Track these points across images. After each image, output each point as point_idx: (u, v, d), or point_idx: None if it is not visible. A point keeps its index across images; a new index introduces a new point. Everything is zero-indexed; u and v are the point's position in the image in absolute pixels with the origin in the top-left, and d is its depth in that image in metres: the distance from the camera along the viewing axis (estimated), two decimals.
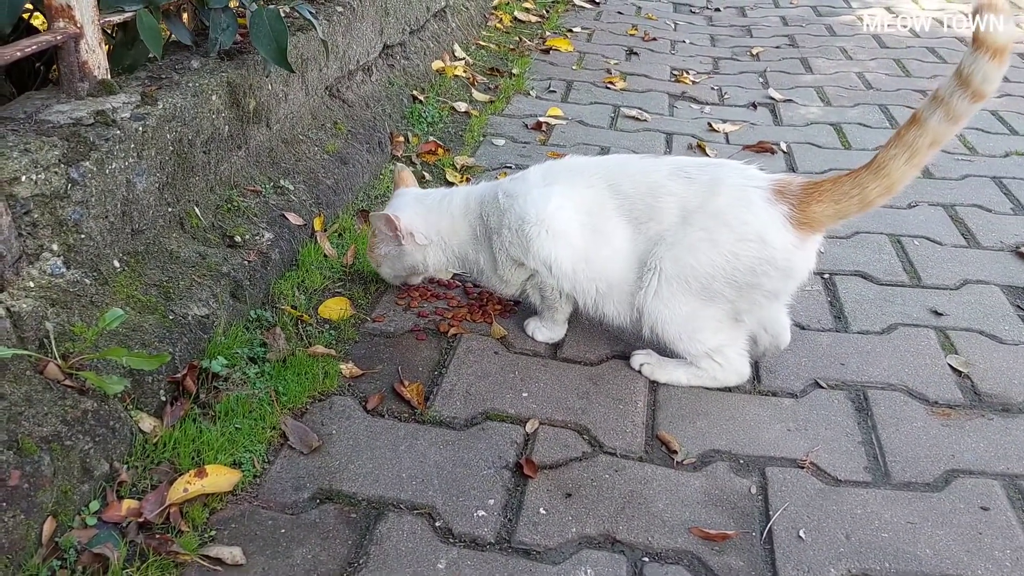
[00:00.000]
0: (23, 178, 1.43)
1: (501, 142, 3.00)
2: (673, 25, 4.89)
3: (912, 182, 1.60)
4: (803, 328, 1.99)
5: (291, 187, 2.14)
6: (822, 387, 1.80)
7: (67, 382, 1.38)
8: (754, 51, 4.41)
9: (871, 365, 1.87)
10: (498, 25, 4.42)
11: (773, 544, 1.40)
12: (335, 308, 1.90)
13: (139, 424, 1.45)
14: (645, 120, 3.31)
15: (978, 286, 2.21)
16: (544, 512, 1.44)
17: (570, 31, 4.54)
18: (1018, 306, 2.13)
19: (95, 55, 1.69)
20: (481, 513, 1.43)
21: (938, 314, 2.07)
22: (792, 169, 2.93)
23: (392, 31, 3.12)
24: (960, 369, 1.86)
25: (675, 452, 1.60)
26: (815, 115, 3.46)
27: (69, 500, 1.30)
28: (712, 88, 3.81)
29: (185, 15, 2.07)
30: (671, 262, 1.65)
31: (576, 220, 1.71)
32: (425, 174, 2.66)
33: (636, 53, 4.27)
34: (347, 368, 1.73)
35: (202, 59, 2.00)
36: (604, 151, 2.98)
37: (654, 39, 4.54)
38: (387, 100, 2.92)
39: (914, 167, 1.53)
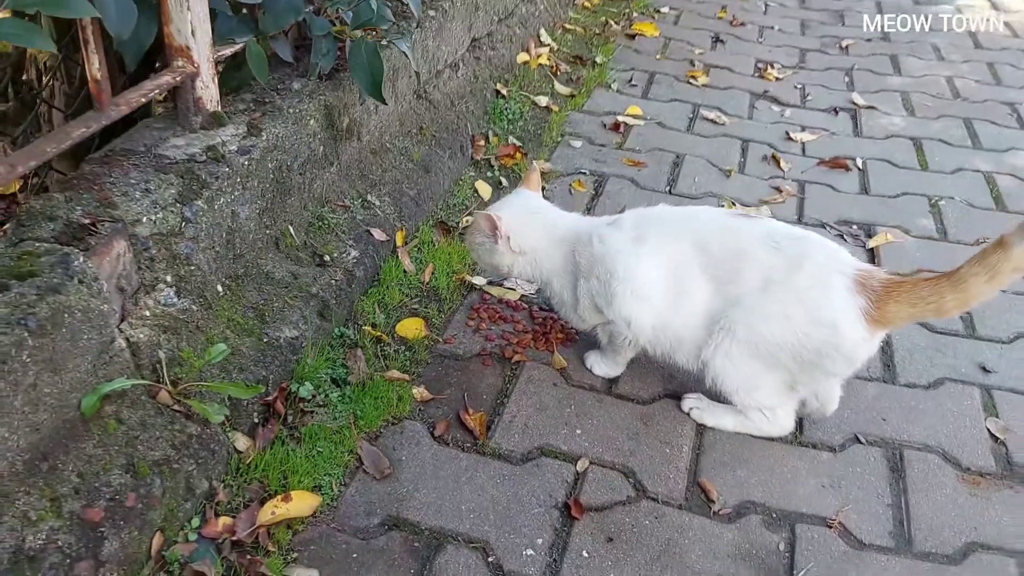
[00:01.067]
0: (144, 219, 1.60)
1: (578, 144, 3.09)
2: (764, 7, 4.87)
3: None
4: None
5: (377, 202, 2.29)
6: (861, 443, 1.91)
7: (176, 407, 1.57)
8: (844, 43, 4.38)
9: (912, 423, 1.97)
10: (586, 4, 4.46)
11: None
12: (411, 328, 2.05)
13: (235, 444, 1.63)
14: (723, 124, 3.37)
15: None
16: (587, 555, 1.59)
17: (658, 11, 4.57)
18: None
19: (208, 91, 1.84)
20: (530, 552, 1.59)
21: (986, 371, 2.14)
22: (865, 190, 2.97)
23: (481, 24, 3.21)
24: (997, 435, 1.94)
25: (713, 501, 1.73)
26: (896, 126, 3.47)
27: (174, 517, 1.49)
28: (795, 87, 3.83)
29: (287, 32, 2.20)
30: (744, 327, 1.74)
31: (661, 283, 1.80)
32: (502, 179, 2.79)
33: (722, 41, 4.28)
34: (419, 392, 1.89)
35: (301, 80, 2.14)
36: (679, 159, 3.06)
37: (742, 24, 4.54)
38: (471, 96, 3.03)
39: (994, 288, 1.60)
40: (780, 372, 1.78)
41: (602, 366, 2.02)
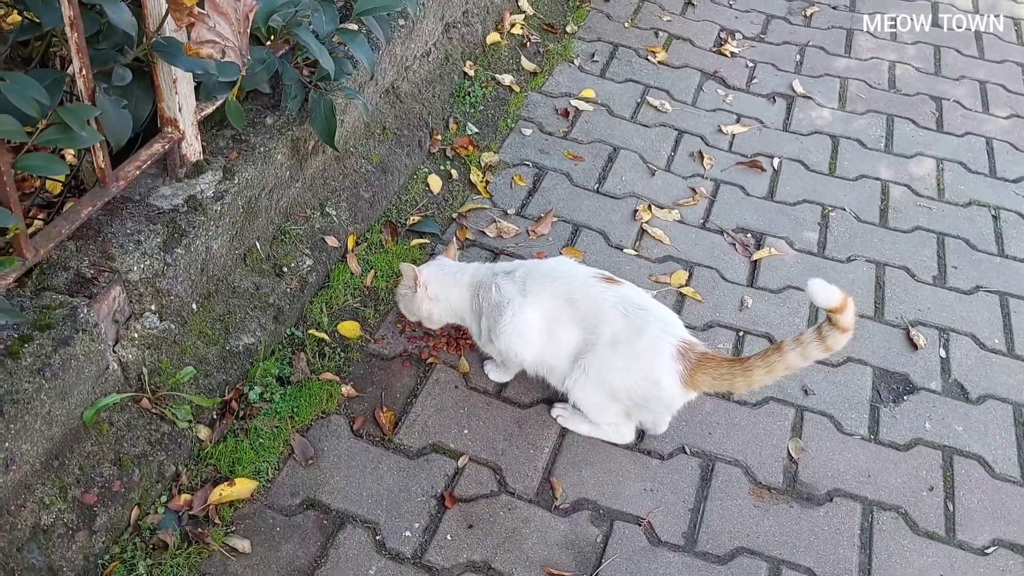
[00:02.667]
0: (135, 267, 2.12)
1: (529, 131, 3.53)
2: None
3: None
4: None
5: (334, 212, 2.78)
6: (686, 453, 2.47)
7: (153, 410, 2.14)
8: (808, 11, 4.68)
9: (730, 438, 2.52)
10: None
11: None
12: (349, 329, 2.59)
13: (198, 435, 2.21)
14: (665, 111, 3.77)
15: (857, 366, 2.77)
16: (450, 538, 2.19)
17: None
18: (877, 391, 2.71)
19: (192, 147, 2.31)
20: (407, 533, 2.18)
21: (807, 393, 2.66)
22: (771, 194, 3.42)
23: (454, 9, 3.58)
24: (793, 454, 2.50)
25: (556, 498, 2.32)
26: (823, 121, 3.86)
27: (148, 495, 2.09)
28: (747, 64, 4.19)
29: None
30: (594, 370, 2.27)
31: (539, 328, 2.31)
32: (453, 171, 3.25)
33: (693, 4, 4.59)
34: (346, 390, 2.45)
35: (274, 115, 2.59)
36: (615, 153, 3.49)
37: None
38: (439, 80, 3.45)
39: (771, 378, 2.18)
40: (619, 404, 2.33)
41: (496, 373, 2.56)
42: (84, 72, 1.90)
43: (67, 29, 1.84)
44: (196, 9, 1.69)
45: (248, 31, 1.82)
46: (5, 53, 2.07)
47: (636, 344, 2.23)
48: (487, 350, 2.48)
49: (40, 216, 2.45)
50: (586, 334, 2.29)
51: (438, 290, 2.40)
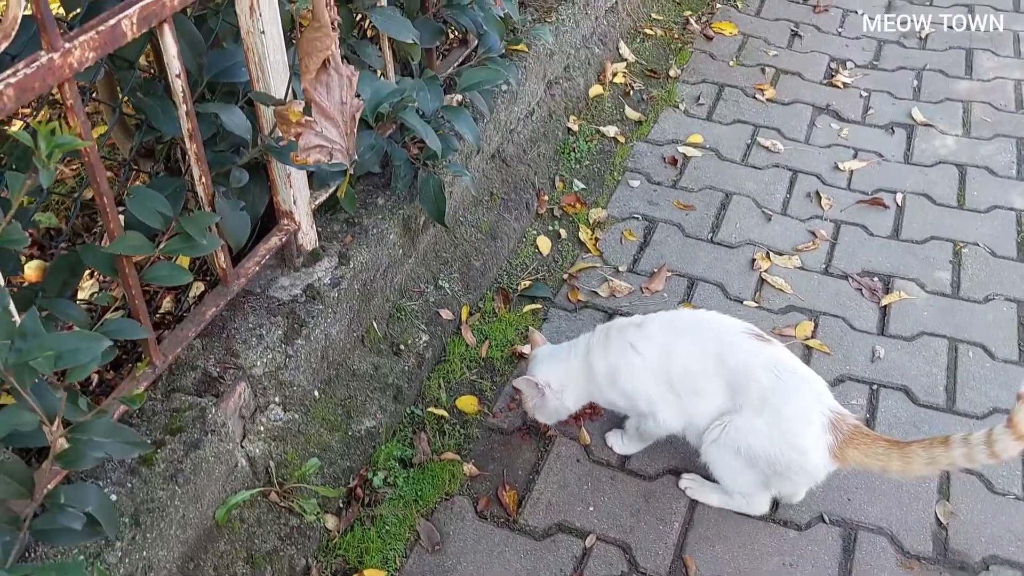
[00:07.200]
0: (258, 362, 2.15)
1: (636, 183, 3.47)
2: None
3: None
4: None
5: (447, 285, 2.78)
6: (825, 522, 2.35)
7: (282, 503, 2.16)
8: (923, 33, 4.49)
9: (871, 504, 2.39)
10: None
11: None
12: (468, 403, 2.58)
13: (326, 525, 2.22)
14: (778, 151, 3.66)
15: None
16: None
17: None
18: None
19: (308, 236, 2.35)
20: None
21: None
22: (896, 233, 3.27)
23: (556, 66, 3.57)
24: (942, 519, 2.35)
25: None
26: (947, 150, 3.68)
27: None
28: (861, 95, 4.04)
29: None
30: (735, 431, 2.18)
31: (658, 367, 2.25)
32: (562, 231, 3.22)
33: (800, 35, 4.47)
34: (468, 469, 2.42)
35: (385, 194, 2.61)
36: (727, 199, 3.40)
37: (825, 9, 4.67)
38: (543, 139, 3.44)
39: (931, 470, 2.08)
40: (757, 471, 2.23)
41: (621, 446, 2.50)
42: (203, 179, 1.95)
43: (186, 140, 1.89)
44: (303, 118, 1.71)
45: (355, 131, 1.83)
46: (134, 148, 2.14)
47: (785, 409, 2.15)
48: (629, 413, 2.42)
49: (167, 302, 2.52)
50: (734, 393, 2.21)
51: (561, 379, 2.34)
